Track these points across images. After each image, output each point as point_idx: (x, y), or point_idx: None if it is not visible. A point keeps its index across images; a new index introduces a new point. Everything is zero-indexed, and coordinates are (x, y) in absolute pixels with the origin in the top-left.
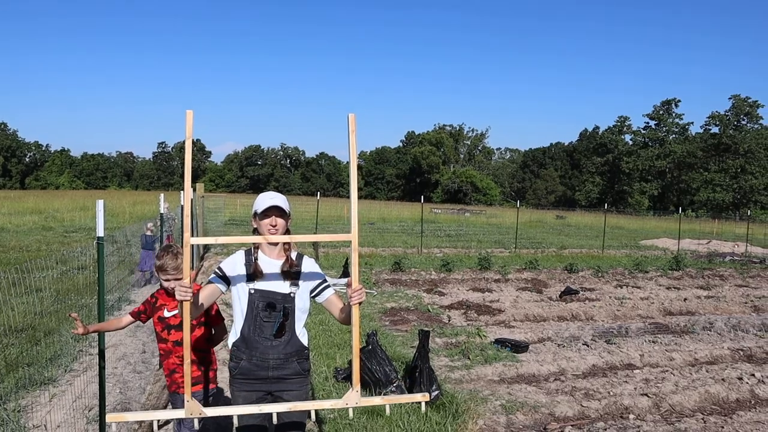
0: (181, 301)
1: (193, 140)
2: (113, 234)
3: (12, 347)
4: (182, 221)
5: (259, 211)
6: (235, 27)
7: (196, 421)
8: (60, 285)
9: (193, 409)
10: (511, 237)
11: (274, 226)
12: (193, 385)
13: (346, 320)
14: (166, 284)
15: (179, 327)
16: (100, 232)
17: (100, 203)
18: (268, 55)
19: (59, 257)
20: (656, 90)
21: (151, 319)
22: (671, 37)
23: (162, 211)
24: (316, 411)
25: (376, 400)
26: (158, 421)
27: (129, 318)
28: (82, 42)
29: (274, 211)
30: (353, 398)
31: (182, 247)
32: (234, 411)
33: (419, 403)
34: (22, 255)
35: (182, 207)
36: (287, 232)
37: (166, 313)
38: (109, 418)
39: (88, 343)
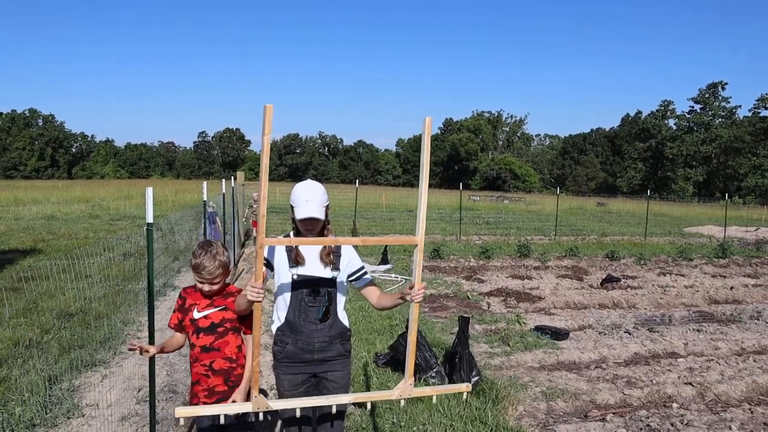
0: (253, 302)
1: (270, 138)
2: (158, 222)
3: (65, 330)
4: (258, 220)
5: (296, 217)
6: (272, 17)
7: (261, 415)
8: (108, 271)
9: (259, 404)
10: (550, 224)
11: (311, 230)
12: (217, 402)
13: (383, 307)
14: (200, 285)
15: (209, 330)
16: (150, 219)
17: (149, 190)
18: (307, 44)
19: (106, 244)
20: (702, 73)
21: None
22: (718, 18)
23: (204, 198)
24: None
25: (427, 391)
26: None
27: (177, 333)
28: (123, 35)
29: (310, 220)
30: (407, 390)
31: (257, 248)
32: (298, 404)
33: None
34: (71, 242)
35: (254, 201)
36: (325, 225)
37: (196, 314)
38: (179, 413)
39: (136, 327)
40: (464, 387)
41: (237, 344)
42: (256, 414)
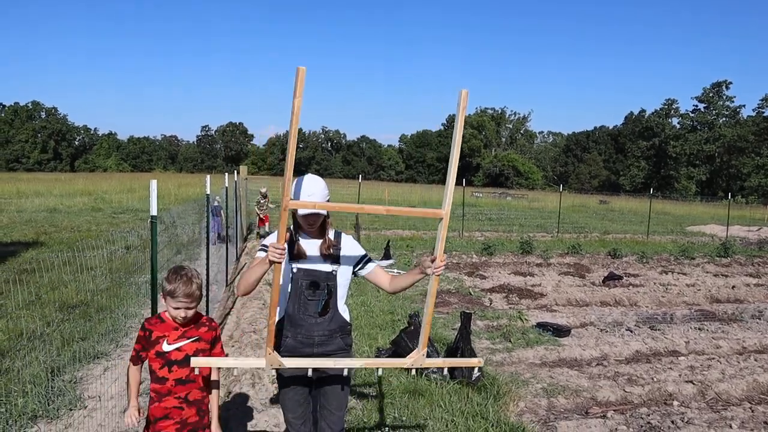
0: (272, 263)
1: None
2: (161, 215)
3: (67, 322)
4: (284, 186)
5: (298, 212)
6: (275, 12)
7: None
8: (110, 264)
9: (272, 361)
10: (553, 221)
11: (312, 225)
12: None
13: (398, 287)
14: (174, 312)
15: (184, 362)
16: (154, 211)
17: (153, 183)
18: (309, 39)
19: (108, 237)
20: (706, 72)
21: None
22: (723, 18)
23: (207, 192)
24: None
25: (438, 362)
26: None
27: (131, 365)
28: (127, 28)
29: (312, 215)
30: (420, 359)
31: (282, 210)
32: (308, 363)
33: (461, 385)
34: (74, 235)
35: (262, 197)
36: (326, 219)
37: (166, 347)
38: (194, 362)
39: (138, 321)
40: (476, 362)
41: (208, 372)
42: None
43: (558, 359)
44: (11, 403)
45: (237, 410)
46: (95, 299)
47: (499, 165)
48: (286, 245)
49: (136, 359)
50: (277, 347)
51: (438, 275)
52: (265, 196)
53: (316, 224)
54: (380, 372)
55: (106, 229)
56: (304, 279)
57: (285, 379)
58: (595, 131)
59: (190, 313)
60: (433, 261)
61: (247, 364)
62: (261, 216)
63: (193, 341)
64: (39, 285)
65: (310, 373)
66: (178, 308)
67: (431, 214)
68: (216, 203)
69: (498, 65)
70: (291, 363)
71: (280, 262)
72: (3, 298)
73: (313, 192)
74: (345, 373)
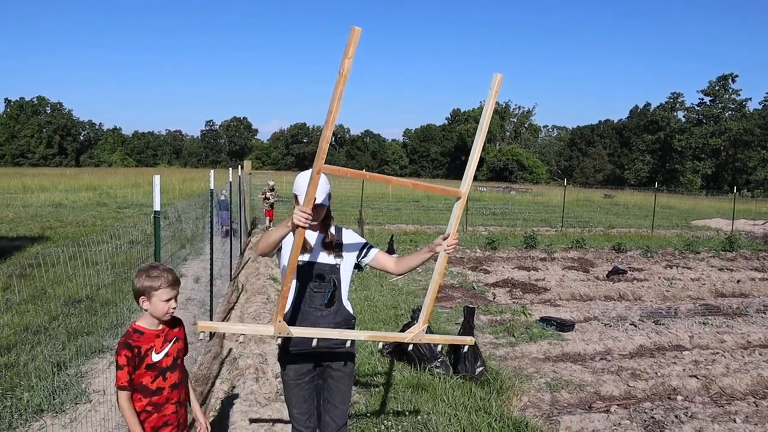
0: (297, 227)
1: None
2: (165, 210)
3: (72, 317)
4: (320, 147)
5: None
6: (279, 7)
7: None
8: (115, 259)
9: (281, 329)
10: (557, 216)
11: (316, 217)
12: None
13: (406, 267)
14: (164, 307)
15: (173, 366)
16: (157, 206)
17: (156, 178)
18: (312, 33)
19: (113, 232)
20: (712, 66)
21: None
22: (729, 11)
23: (211, 187)
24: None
25: (436, 338)
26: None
27: (125, 395)
28: (132, 23)
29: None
30: (419, 335)
31: (315, 173)
32: (319, 333)
33: (464, 379)
34: (79, 230)
35: (269, 189)
36: (329, 212)
37: (156, 357)
38: (200, 326)
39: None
40: (469, 340)
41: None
42: None
43: (561, 354)
44: (17, 396)
45: (240, 405)
46: (100, 294)
47: (503, 159)
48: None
49: (129, 386)
50: (283, 343)
51: (449, 253)
52: (272, 189)
53: (320, 216)
54: (380, 345)
55: (111, 224)
56: (309, 271)
57: (291, 376)
58: (599, 125)
59: (176, 305)
60: (445, 239)
61: (256, 330)
62: (268, 207)
63: (174, 343)
64: (44, 279)
65: (314, 343)
66: (169, 299)
67: (452, 192)
68: (222, 197)
69: (502, 59)
70: (298, 332)
71: (305, 227)
72: (9, 293)
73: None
74: (348, 344)
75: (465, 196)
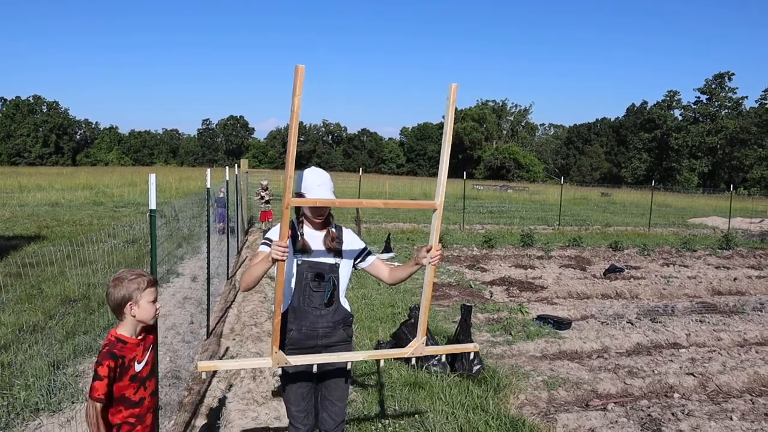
0: (276, 261)
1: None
2: (161, 208)
3: (69, 316)
4: (285, 184)
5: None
6: (278, 6)
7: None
8: (112, 258)
9: (279, 360)
10: (554, 214)
11: (322, 215)
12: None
13: (397, 279)
14: (150, 309)
15: (151, 374)
16: (153, 205)
17: (152, 177)
18: (308, 32)
19: (110, 231)
20: (708, 64)
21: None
22: (725, 8)
23: (208, 186)
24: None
25: (438, 349)
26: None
27: (99, 407)
28: (127, 22)
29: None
30: (419, 348)
31: (284, 208)
32: (313, 360)
33: (461, 377)
34: (75, 229)
35: (262, 189)
36: (329, 211)
37: (138, 367)
38: (201, 367)
39: None
40: (472, 347)
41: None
42: None
43: (558, 352)
44: (14, 395)
45: (238, 403)
46: (96, 292)
47: (500, 157)
48: (289, 242)
49: (105, 398)
50: (282, 340)
51: (434, 265)
52: (266, 188)
53: (325, 214)
54: (382, 363)
55: (107, 223)
56: (308, 271)
57: (289, 374)
58: (596, 123)
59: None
60: (428, 251)
61: (254, 364)
62: (264, 209)
63: (151, 350)
64: (41, 278)
65: (315, 369)
66: (154, 300)
67: (427, 206)
68: (221, 195)
69: (499, 57)
70: (297, 360)
71: (284, 260)
72: (5, 292)
73: (323, 182)
74: (348, 366)
75: (440, 207)
